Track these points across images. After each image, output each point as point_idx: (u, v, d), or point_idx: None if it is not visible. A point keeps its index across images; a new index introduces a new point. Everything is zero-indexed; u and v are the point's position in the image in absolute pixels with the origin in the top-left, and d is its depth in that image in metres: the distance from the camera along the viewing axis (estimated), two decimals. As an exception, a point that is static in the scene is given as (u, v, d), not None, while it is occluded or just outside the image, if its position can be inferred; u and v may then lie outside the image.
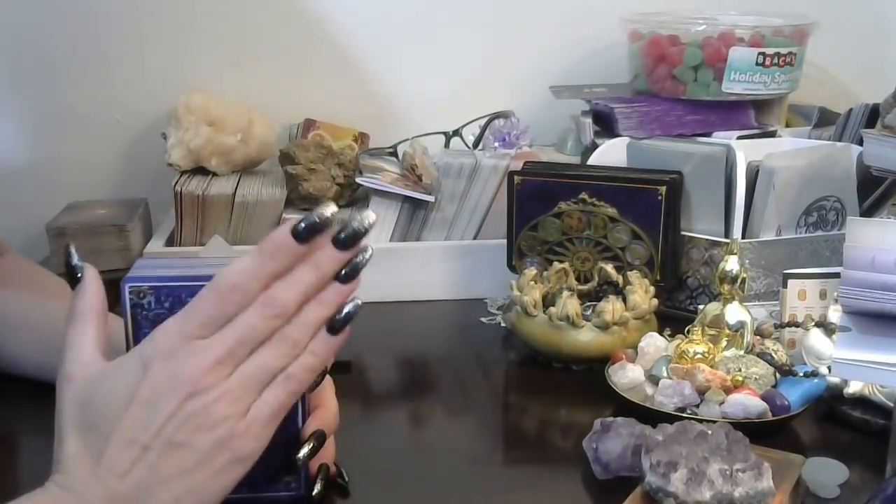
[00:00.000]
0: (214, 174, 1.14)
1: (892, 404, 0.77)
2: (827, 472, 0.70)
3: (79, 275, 0.58)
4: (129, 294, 0.57)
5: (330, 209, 0.55)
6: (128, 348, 0.57)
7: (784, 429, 0.78)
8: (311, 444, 0.62)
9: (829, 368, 0.80)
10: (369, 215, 0.56)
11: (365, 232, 0.56)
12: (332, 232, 0.55)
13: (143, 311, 0.57)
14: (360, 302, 0.57)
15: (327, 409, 0.65)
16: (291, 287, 0.55)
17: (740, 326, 0.85)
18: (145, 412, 0.53)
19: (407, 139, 1.17)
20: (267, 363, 0.55)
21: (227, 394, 0.54)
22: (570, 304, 0.91)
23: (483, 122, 1.21)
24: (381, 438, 0.80)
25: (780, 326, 0.89)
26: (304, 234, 0.54)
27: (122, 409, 0.53)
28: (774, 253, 0.99)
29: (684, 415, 0.76)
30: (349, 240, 0.56)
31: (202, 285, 0.55)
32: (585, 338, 0.91)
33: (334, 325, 0.57)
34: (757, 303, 0.96)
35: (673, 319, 0.93)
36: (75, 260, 0.58)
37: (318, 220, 0.54)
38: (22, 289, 0.86)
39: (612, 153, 1.10)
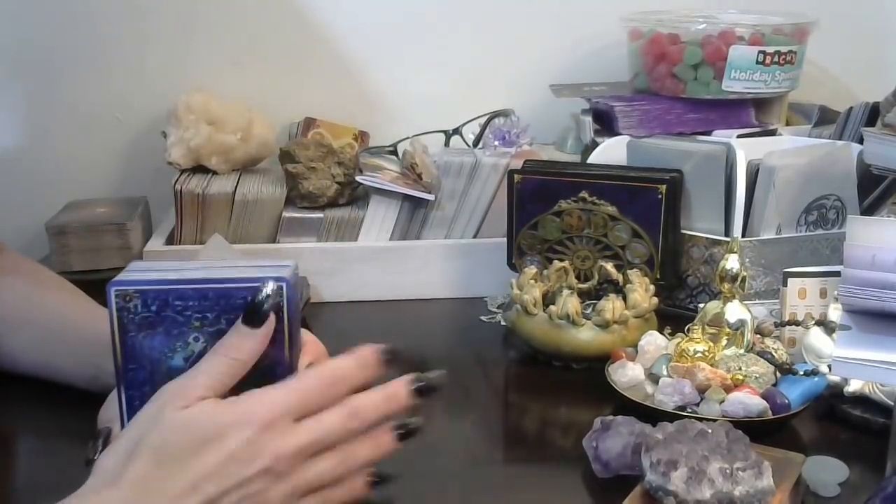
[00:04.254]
0: (214, 173, 1.14)
1: (892, 403, 0.77)
2: (827, 471, 0.70)
3: (261, 321, 0.57)
4: (116, 297, 0.56)
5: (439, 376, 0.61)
6: (114, 352, 0.57)
7: (784, 427, 0.78)
8: None
9: (829, 367, 0.80)
10: (442, 375, 0.61)
11: (437, 387, 0.61)
12: (414, 377, 0.60)
13: (129, 314, 0.56)
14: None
15: (314, 341, 0.66)
16: (377, 409, 0.59)
17: (740, 325, 0.85)
18: (222, 467, 0.54)
19: (407, 138, 1.17)
20: (327, 473, 0.57)
21: (290, 490, 0.56)
22: (570, 303, 0.91)
23: (483, 120, 1.21)
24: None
25: (781, 325, 0.89)
26: (392, 362, 0.60)
27: (204, 451, 0.54)
28: (775, 251, 0.99)
29: (684, 413, 0.76)
30: (424, 389, 0.60)
31: (190, 288, 0.56)
32: (585, 336, 0.91)
33: (403, 431, 0.61)
34: (757, 301, 0.97)
35: (673, 318, 0.93)
36: (268, 304, 0.57)
37: (404, 354, 0.61)
38: (21, 287, 0.86)
39: (612, 152, 1.10)
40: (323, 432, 0.57)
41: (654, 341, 0.87)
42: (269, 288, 0.56)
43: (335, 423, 0.57)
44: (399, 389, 0.59)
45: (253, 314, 0.56)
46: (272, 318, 0.57)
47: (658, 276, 0.98)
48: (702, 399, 0.78)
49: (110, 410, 0.70)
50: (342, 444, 0.58)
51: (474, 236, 1.12)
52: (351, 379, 0.58)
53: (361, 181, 1.10)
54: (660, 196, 0.97)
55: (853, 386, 0.79)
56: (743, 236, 0.98)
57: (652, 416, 0.75)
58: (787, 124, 1.27)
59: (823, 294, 0.90)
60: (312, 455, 0.56)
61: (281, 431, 0.55)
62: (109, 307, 0.56)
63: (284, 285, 0.57)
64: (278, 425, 0.55)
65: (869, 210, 1.05)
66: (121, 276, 0.57)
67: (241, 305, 0.57)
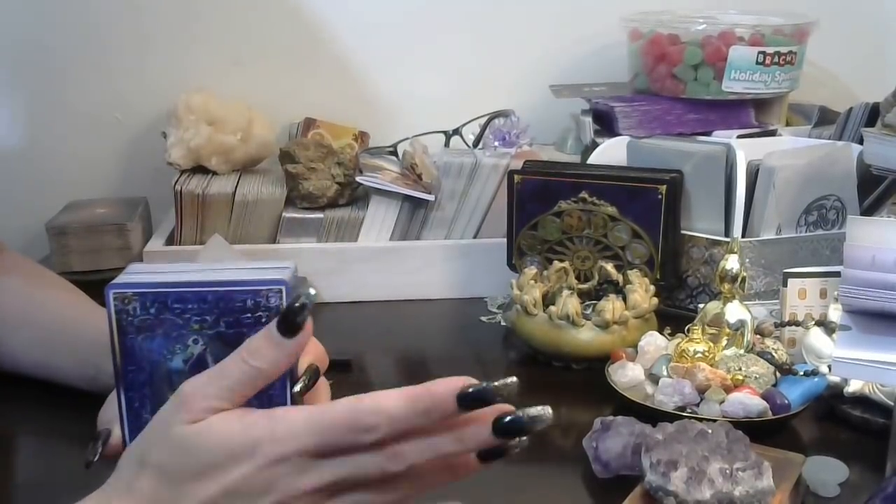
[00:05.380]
0: (214, 173, 1.14)
1: (892, 403, 0.77)
2: (827, 471, 0.70)
3: (296, 330, 0.51)
4: (114, 300, 0.56)
5: (510, 384, 0.49)
6: (113, 354, 0.57)
7: (784, 428, 0.78)
8: (305, 381, 0.58)
9: (829, 367, 0.80)
10: (547, 414, 0.49)
11: (532, 428, 0.49)
12: (496, 412, 0.49)
13: (128, 316, 0.56)
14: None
15: (313, 342, 0.63)
16: (425, 453, 0.49)
17: (740, 325, 0.85)
18: (224, 498, 0.49)
19: (407, 138, 1.17)
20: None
21: None
22: (570, 303, 0.91)
23: (483, 121, 1.21)
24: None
25: (781, 325, 0.89)
26: (469, 404, 0.49)
27: (207, 477, 0.50)
28: (774, 252, 0.99)
29: (684, 414, 0.76)
30: (512, 431, 0.49)
31: (188, 291, 0.55)
32: (585, 337, 0.91)
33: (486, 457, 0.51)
34: (757, 302, 0.97)
35: (673, 318, 0.93)
36: (306, 313, 0.51)
37: (489, 391, 0.49)
38: (21, 288, 0.86)
39: (612, 152, 1.10)
40: (352, 474, 0.49)
41: (654, 342, 0.87)
42: (310, 293, 0.51)
43: (369, 466, 0.49)
44: (470, 430, 0.49)
45: (289, 321, 0.51)
46: (309, 328, 0.51)
47: (658, 277, 0.98)
48: (702, 399, 0.78)
49: (110, 411, 0.70)
50: (385, 483, 0.50)
51: (474, 237, 1.12)
52: (399, 423, 0.49)
53: (361, 181, 1.10)
54: (660, 196, 0.97)
55: (853, 386, 0.79)
56: (743, 237, 0.98)
57: (652, 416, 0.75)
58: (787, 125, 1.27)
59: (823, 294, 0.90)
60: (331, 494, 0.50)
61: (291, 468, 0.49)
62: (108, 309, 0.56)
63: (283, 288, 0.56)
64: (290, 462, 0.49)
65: (869, 210, 1.05)
66: (119, 279, 0.57)
67: (240, 308, 0.56)
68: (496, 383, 0.49)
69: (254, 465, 0.49)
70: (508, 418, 0.49)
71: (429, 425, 0.49)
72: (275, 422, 0.50)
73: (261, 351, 0.51)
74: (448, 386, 0.49)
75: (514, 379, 0.49)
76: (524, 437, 0.50)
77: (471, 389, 0.48)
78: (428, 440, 0.49)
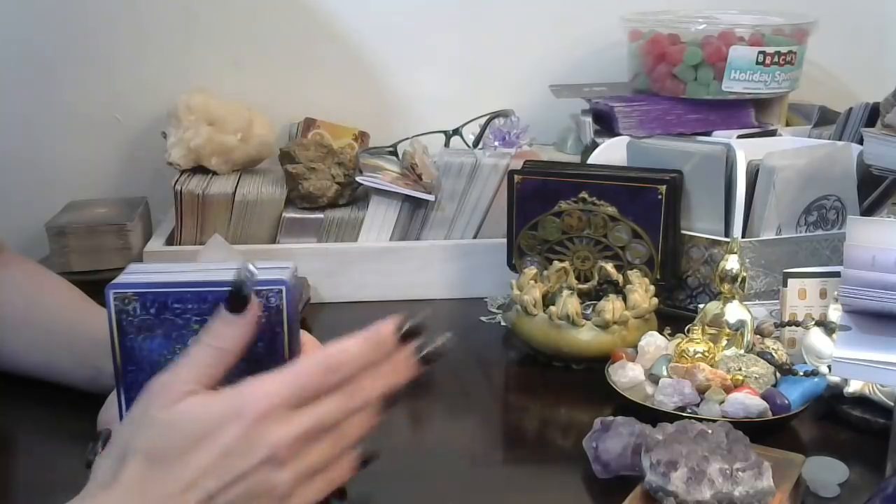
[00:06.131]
0: (214, 173, 1.14)
1: (892, 403, 0.77)
2: (827, 472, 0.70)
3: (245, 306, 0.55)
4: (114, 300, 0.56)
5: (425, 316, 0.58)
6: (113, 354, 0.57)
7: (784, 428, 0.78)
8: None
9: (829, 367, 0.80)
10: (447, 339, 0.59)
11: (442, 354, 0.59)
12: (417, 343, 0.58)
13: (128, 317, 0.56)
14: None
15: (313, 342, 0.65)
16: (376, 385, 0.56)
17: (740, 325, 0.85)
18: (220, 461, 0.52)
19: (407, 138, 1.17)
20: (327, 453, 0.56)
21: (296, 476, 0.54)
22: (570, 304, 0.91)
23: (483, 121, 1.21)
24: (380, 438, 0.80)
25: (781, 325, 0.89)
26: (405, 337, 0.57)
27: (198, 447, 0.52)
28: (774, 252, 0.99)
29: (684, 414, 0.76)
30: (430, 358, 0.58)
31: (188, 291, 0.55)
32: (585, 337, 0.91)
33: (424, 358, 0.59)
34: (757, 302, 0.97)
35: (673, 318, 0.93)
36: (248, 287, 0.55)
37: (420, 322, 0.57)
38: (22, 288, 0.86)
39: (612, 152, 1.10)
40: (324, 416, 0.55)
41: (654, 342, 0.87)
42: (249, 270, 0.55)
43: (335, 406, 0.55)
44: (405, 362, 0.57)
45: (235, 299, 0.54)
46: (255, 301, 0.55)
47: (658, 277, 0.98)
48: (702, 400, 0.78)
49: (110, 412, 0.70)
50: (340, 424, 0.56)
51: (474, 237, 1.12)
52: (356, 362, 0.56)
53: (361, 182, 1.10)
54: (660, 196, 0.97)
55: (853, 386, 0.79)
56: (743, 237, 0.98)
57: (652, 416, 0.75)
58: (787, 125, 1.27)
59: (823, 295, 0.90)
60: (314, 438, 0.55)
61: (277, 420, 0.53)
62: (108, 310, 0.56)
63: (283, 288, 0.57)
64: (274, 415, 0.53)
65: (869, 210, 1.05)
66: (119, 279, 0.57)
67: None
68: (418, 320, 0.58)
69: (243, 423, 0.52)
70: (425, 347, 0.58)
71: (378, 359, 0.56)
72: (253, 384, 0.54)
73: (219, 332, 0.55)
74: (390, 324, 0.57)
75: (449, 334, 0.58)
76: (446, 341, 0.59)
77: (405, 323, 0.57)
78: (375, 372, 0.56)
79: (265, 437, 0.53)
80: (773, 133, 1.21)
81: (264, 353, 0.57)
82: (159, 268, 0.59)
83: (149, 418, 0.53)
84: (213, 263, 0.59)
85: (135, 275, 0.58)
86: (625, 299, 0.92)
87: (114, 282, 0.57)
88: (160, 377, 0.54)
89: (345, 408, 0.55)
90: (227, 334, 0.55)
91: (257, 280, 0.55)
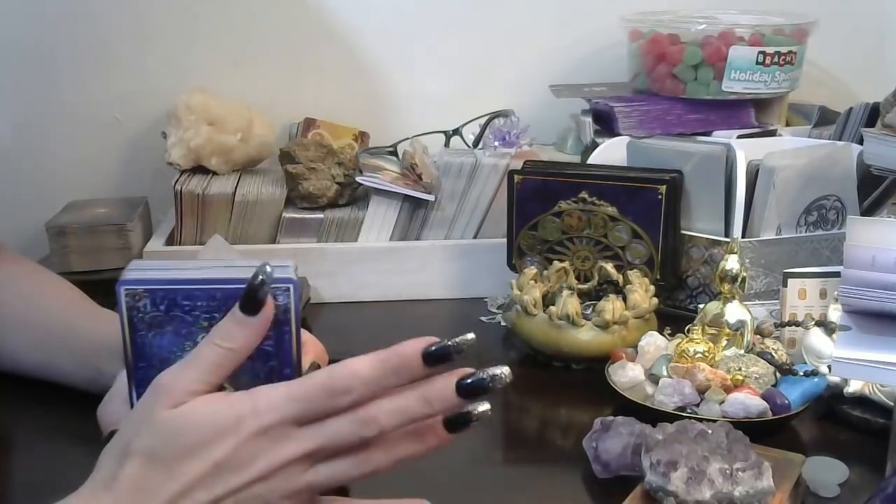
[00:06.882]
0: (214, 173, 1.14)
1: (892, 403, 0.77)
2: (827, 472, 0.70)
3: (260, 307, 0.53)
4: (125, 297, 0.56)
5: (469, 340, 0.53)
6: (125, 351, 0.57)
7: (784, 428, 0.78)
8: None
9: (829, 367, 0.80)
10: (504, 373, 0.53)
11: (492, 387, 0.53)
12: (458, 374, 0.53)
13: (139, 314, 0.56)
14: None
15: (313, 342, 0.64)
16: (395, 416, 0.52)
17: (740, 325, 0.85)
18: (216, 473, 0.51)
19: (407, 138, 1.17)
20: (334, 476, 0.54)
21: (291, 495, 0.52)
22: (570, 304, 0.91)
23: (483, 121, 1.21)
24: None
25: (781, 325, 0.89)
26: (434, 361, 0.53)
27: (195, 456, 0.51)
28: (774, 252, 0.99)
29: (684, 414, 0.76)
30: (474, 390, 0.53)
31: (198, 288, 0.55)
32: (585, 337, 0.91)
33: (451, 425, 0.54)
34: (757, 302, 0.97)
35: (673, 318, 0.93)
36: (265, 289, 0.53)
37: (450, 346, 0.53)
38: (21, 288, 0.86)
39: (612, 152, 1.10)
40: (330, 439, 0.52)
41: (654, 342, 0.87)
42: (267, 270, 0.53)
43: (344, 430, 0.52)
44: (435, 390, 0.53)
45: (250, 299, 0.53)
46: (270, 303, 0.53)
47: (658, 277, 0.98)
48: (702, 400, 0.78)
49: (109, 408, 0.70)
50: (358, 450, 0.53)
51: (474, 237, 1.12)
52: (371, 384, 0.52)
53: (361, 182, 1.10)
54: (660, 196, 0.97)
55: (853, 386, 0.79)
56: (743, 237, 0.98)
57: (652, 416, 0.75)
58: (787, 125, 1.27)
59: (823, 295, 0.90)
60: (322, 460, 0.53)
61: (276, 438, 0.52)
62: (119, 306, 0.56)
63: (291, 286, 0.56)
64: (273, 433, 0.52)
65: (869, 210, 1.05)
66: (129, 276, 0.57)
67: None
68: (456, 339, 0.53)
69: (238, 438, 0.51)
70: (470, 379, 0.53)
71: (398, 386, 0.52)
72: (257, 397, 0.52)
73: (230, 332, 0.53)
74: (414, 346, 0.53)
75: (472, 335, 0.53)
76: (487, 407, 0.54)
77: (433, 347, 0.53)
78: (398, 401, 0.52)
79: (259, 455, 0.52)
80: (773, 133, 1.21)
81: (272, 351, 0.57)
82: (166, 264, 0.59)
83: (152, 418, 0.52)
84: (221, 261, 0.59)
85: (143, 271, 0.58)
86: (625, 299, 0.92)
87: (124, 278, 0.56)
88: (166, 374, 0.53)
89: (357, 433, 0.52)
90: (237, 335, 0.54)
91: (273, 280, 0.54)
